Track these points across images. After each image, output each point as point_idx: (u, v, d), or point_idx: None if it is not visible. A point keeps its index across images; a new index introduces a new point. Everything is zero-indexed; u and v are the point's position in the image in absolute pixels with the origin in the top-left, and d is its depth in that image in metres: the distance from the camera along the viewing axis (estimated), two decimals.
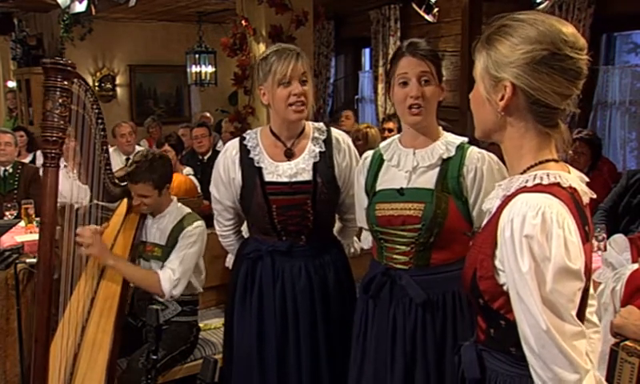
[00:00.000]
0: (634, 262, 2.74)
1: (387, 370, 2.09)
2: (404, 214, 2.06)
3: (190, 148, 6.45)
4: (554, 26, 1.31)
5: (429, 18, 5.87)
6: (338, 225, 2.66)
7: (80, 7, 5.52)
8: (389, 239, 2.12)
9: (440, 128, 2.16)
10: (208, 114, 9.16)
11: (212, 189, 2.55)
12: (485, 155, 2.07)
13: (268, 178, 2.37)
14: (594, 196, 1.38)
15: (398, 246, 2.10)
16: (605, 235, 3.49)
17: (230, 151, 2.47)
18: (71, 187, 3.95)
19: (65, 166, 4.21)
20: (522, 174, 1.36)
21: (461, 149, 2.09)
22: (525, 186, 1.32)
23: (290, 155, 2.39)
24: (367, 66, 8.97)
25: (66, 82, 2.14)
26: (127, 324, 3.05)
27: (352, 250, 2.65)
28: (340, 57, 9.00)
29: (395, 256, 2.11)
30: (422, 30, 6.93)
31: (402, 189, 2.10)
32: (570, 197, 1.31)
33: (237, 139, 2.50)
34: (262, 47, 5.25)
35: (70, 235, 2.73)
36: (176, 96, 10.24)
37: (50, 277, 2.23)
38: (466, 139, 2.13)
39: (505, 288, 1.32)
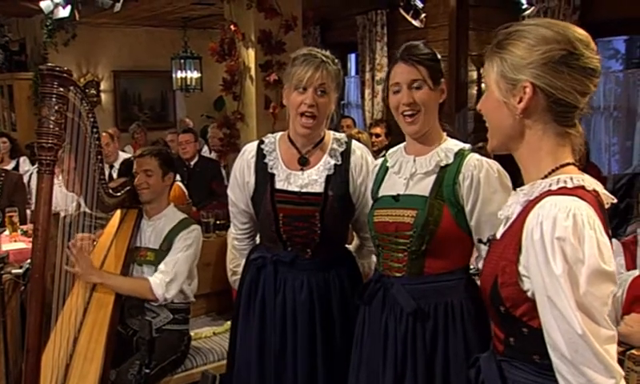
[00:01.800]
0: (628, 266, 2.74)
1: (379, 376, 2.07)
2: (397, 220, 2.04)
3: (177, 154, 6.41)
4: (568, 27, 1.33)
5: (416, 23, 5.86)
6: (355, 242, 2.60)
7: (63, 13, 5.46)
8: (385, 246, 2.09)
9: (444, 134, 2.12)
10: (187, 120, 9.08)
11: (229, 191, 2.51)
12: (483, 162, 2.01)
13: (279, 185, 2.32)
14: (615, 200, 1.37)
15: (393, 253, 2.07)
16: None
17: (247, 154, 2.43)
18: (56, 195, 3.89)
19: None
20: (543, 178, 1.35)
21: (460, 156, 2.04)
22: (549, 190, 1.31)
23: (304, 163, 2.34)
24: (353, 71, 8.95)
25: (62, 89, 2.11)
26: (117, 333, 2.98)
27: (367, 270, 2.54)
28: None
29: (390, 263, 2.08)
30: (409, 35, 6.89)
31: (397, 195, 2.07)
32: (595, 200, 1.30)
33: (255, 142, 2.45)
34: (250, 52, 5.22)
35: (62, 244, 2.69)
36: (161, 102, 10.15)
37: (42, 284, 2.19)
38: (467, 146, 2.09)
39: (529, 294, 1.31)
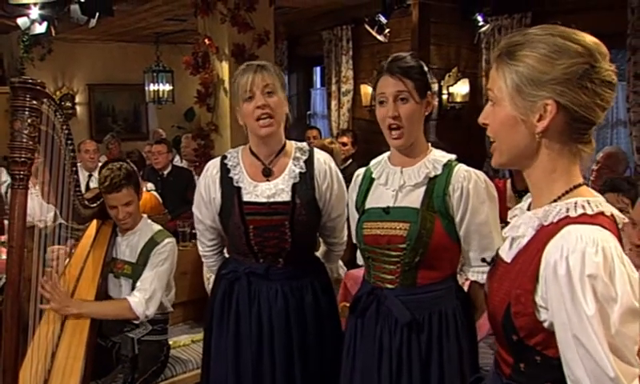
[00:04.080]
0: None
1: None
2: (389, 233, 1.91)
3: (150, 164, 6.24)
4: (590, 39, 1.17)
5: (380, 38, 5.74)
6: (322, 248, 2.48)
7: (40, 29, 5.29)
8: (376, 258, 1.97)
9: (428, 144, 2.01)
10: (160, 130, 8.91)
11: (194, 209, 2.36)
12: (472, 173, 1.91)
13: (246, 197, 2.19)
14: (626, 220, 1.23)
15: (384, 265, 1.94)
16: None
17: (210, 170, 2.28)
18: (34, 205, 3.68)
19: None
20: (555, 200, 1.20)
21: (447, 167, 1.93)
22: (567, 216, 1.15)
23: (268, 173, 2.21)
24: (318, 84, 8.90)
25: (35, 102, 1.94)
26: (96, 345, 2.78)
27: (335, 275, 2.45)
28: (292, 75, 8.90)
29: (382, 275, 1.96)
30: (372, 49, 6.85)
31: (388, 208, 1.94)
32: (614, 225, 1.16)
33: (218, 158, 2.31)
34: (224, 65, 5.08)
35: (38, 256, 2.49)
36: (134, 113, 9.94)
37: (18, 302, 2.01)
38: (453, 156, 1.97)
39: (545, 325, 1.15)
